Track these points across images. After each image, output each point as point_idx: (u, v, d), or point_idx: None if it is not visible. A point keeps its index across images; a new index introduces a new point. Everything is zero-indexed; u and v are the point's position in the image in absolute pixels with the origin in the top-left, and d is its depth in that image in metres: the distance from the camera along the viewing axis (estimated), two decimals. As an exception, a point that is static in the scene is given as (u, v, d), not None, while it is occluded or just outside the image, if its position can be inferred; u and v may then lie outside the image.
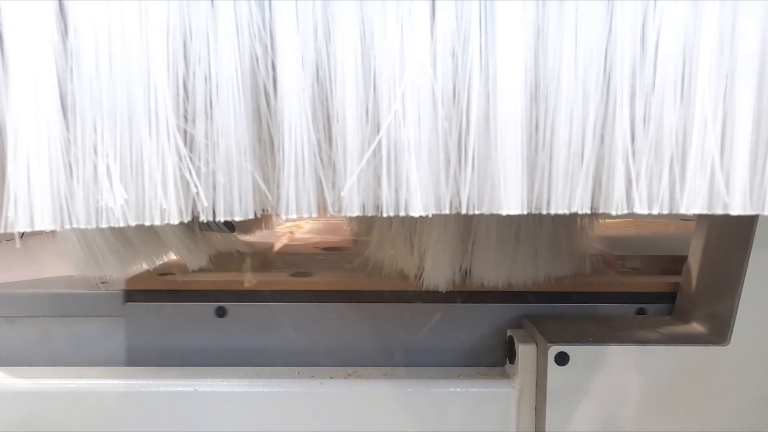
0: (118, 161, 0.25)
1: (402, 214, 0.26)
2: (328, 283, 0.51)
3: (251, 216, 0.27)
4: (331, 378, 0.46)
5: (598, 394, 0.43)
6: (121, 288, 0.50)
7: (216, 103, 0.26)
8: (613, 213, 0.26)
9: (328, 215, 0.27)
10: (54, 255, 0.60)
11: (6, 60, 0.25)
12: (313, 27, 0.25)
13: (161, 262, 0.53)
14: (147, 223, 0.26)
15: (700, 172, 0.26)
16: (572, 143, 0.26)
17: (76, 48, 0.25)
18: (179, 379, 0.46)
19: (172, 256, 0.53)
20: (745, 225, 0.42)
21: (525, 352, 0.45)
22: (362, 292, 0.50)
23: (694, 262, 0.48)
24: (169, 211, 0.26)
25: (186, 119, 0.26)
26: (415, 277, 0.47)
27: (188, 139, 0.26)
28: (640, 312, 0.50)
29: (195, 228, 0.50)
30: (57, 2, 0.25)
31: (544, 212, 0.26)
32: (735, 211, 0.26)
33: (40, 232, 0.27)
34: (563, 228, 0.47)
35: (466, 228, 0.46)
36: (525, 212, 0.26)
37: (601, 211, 0.27)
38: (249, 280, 0.51)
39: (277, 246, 0.62)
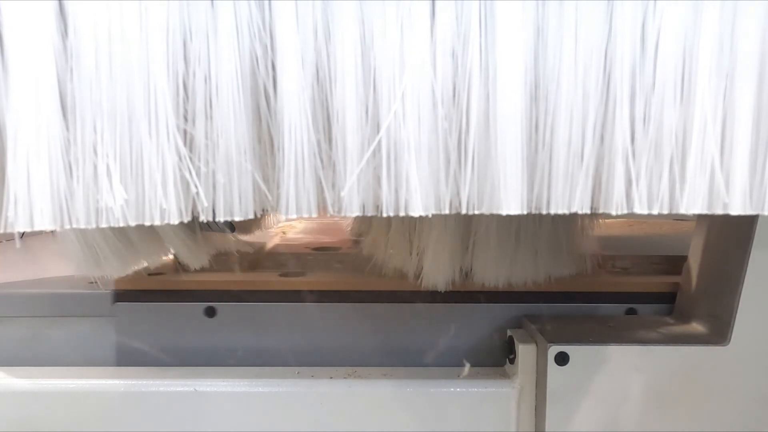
0: (118, 161, 0.25)
1: (402, 214, 0.26)
2: (318, 283, 0.51)
3: (251, 216, 0.27)
4: (331, 378, 0.46)
5: (598, 394, 0.43)
6: (110, 288, 0.50)
7: (216, 103, 0.26)
8: (613, 213, 0.26)
9: (328, 215, 0.27)
10: (54, 255, 0.59)
11: (6, 60, 0.25)
12: (313, 27, 0.25)
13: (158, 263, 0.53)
14: (147, 223, 0.26)
15: (700, 172, 0.26)
16: (572, 143, 0.26)
17: (76, 48, 0.25)
18: (179, 379, 0.46)
19: (172, 256, 0.53)
20: (745, 225, 0.42)
21: (525, 352, 0.45)
22: (354, 292, 0.50)
23: (694, 262, 0.48)
24: (169, 211, 0.26)
25: (186, 119, 0.26)
26: (415, 276, 0.47)
27: (188, 139, 0.26)
28: (630, 312, 0.50)
29: (195, 228, 0.50)
30: (57, 2, 0.25)
31: (544, 212, 0.26)
32: (735, 211, 0.26)
33: (40, 232, 0.27)
34: (563, 228, 0.47)
35: (466, 228, 0.46)
36: (525, 212, 0.26)
37: (601, 211, 0.27)
38: (239, 280, 0.51)
39: (268, 246, 0.62)
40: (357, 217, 0.59)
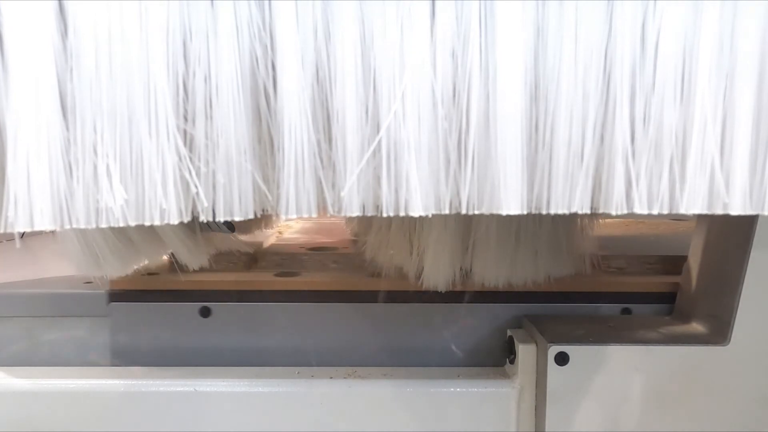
0: (118, 161, 0.25)
1: (402, 214, 0.26)
2: (314, 283, 0.51)
3: (251, 216, 0.27)
4: (331, 378, 0.46)
5: (598, 394, 0.43)
6: (105, 288, 0.50)
7: (216, 104, 0.26)
8: (613, 213, 0.26)
9: (328, 215, 0.27)
10: (54, 255, 0.59)
11: (6, 60, 0.25)
12: (313, 27, 0.25)
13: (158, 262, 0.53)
14: (147, 224, 0.26)
15: (699, 172, 0.26)
16: (572, 143, 0.26)
17: (76, 48, 0.25)
18: (179, 379, 0.46)
19: (167, 256, 0.53)
20: (745, 225, 0.42)
21: (525, 352, 0.45)
22: (349, 292, 0.50)
23: (694, 262, 0.48)
24: (169, 211, 0.26)
25: (186, 119, 0.26)
26: (415, 276, 0.47)
27: (188, 139, 0.26)
28: (625, 311, 0.50)
29: (195, 228, 0.50)
30: (57, 2, 0.25)
31: (544, 212, 0.26)
32: (735, 211, 0.26)
33: (40, 232, 0.27)
34: (563, 228, 0.47)
35: (466, 228, 0.46)
36: (525, 212, 0.26)
37: (600, 211, 0.27)
38: (234, 280, 0.51)
39: (264, 246, 0.62)
40: (357, 218, 0.59)
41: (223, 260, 0.54)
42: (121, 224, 0.26)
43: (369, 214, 0.27)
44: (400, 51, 0.25)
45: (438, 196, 0.27)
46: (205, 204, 0.26)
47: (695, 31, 0.25)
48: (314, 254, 0.57)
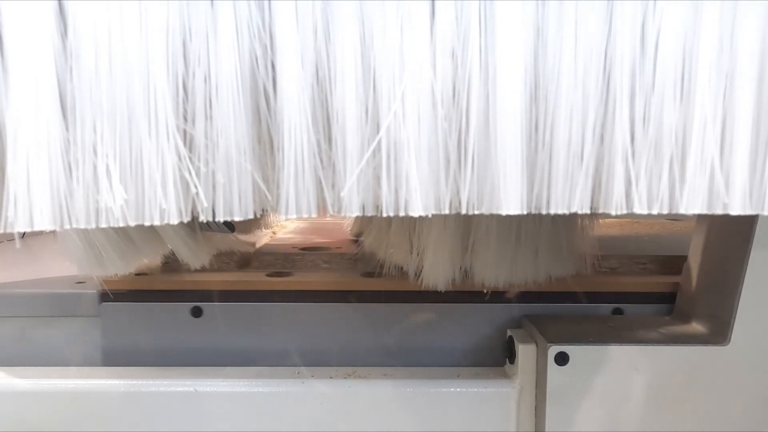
0: (117, 161, 0.25)
1: (402, 214, 0.26)
2: (306, 283, 0.51)
3: (251, 216, 0.27)
4: (331, 378, 0.46)
5: (598, 394, 0.43)
6: (96, 288, 0.50)
7: (216, 104, 0.26)
8: (613, 213, 0.26)
9: (328, 215, 0.27)
10: (55, 255, 0.59)
11: (6, 60, 0.25)
12: (313, 27, 0.25)
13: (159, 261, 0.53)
14: (147, 224, 0.26)
15: (699, 172, 0.26)
16: (572, 143, 0.26)
17: (76, 48, 0.25)
18: (179, 379, 0.46)
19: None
20: (745, 225, 0.42)
21: (525, 352, 0.45)
22: (341, 292, 0.50)
23: (694, 262, 0.48)
24: (168, 212, 0.26)
25: (186, 119, 0.26)
26: (414, 275, 0.47)
27: (188, 140, 0.26)
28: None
29: (196, 227, 0.50)
30: (57, 2, 0.25)
31: (544, 212, 0.26)
32: (735, 211, 0.26)
33: (41, 232, 0.27)
34: (563, 228, 0.47)
35: (466, 228, 0.46)
36: (525, 212, 0.26)
37: (600, 211, 0.27)
38: (225, 280, 0.51)
39: (257, 246, 0.62)
40: (357, 217, 0.59)
41: (214, 260, 0.54)
42: (121, 224, 0.26)
43: (369, 214, 0.27)
44: (400, 51, 0.25)
45: (438, 196, 0.27)
46: (205, 204, 0.26)
47: (695, 31, 0.25)
48: (306, 254, 0.57)
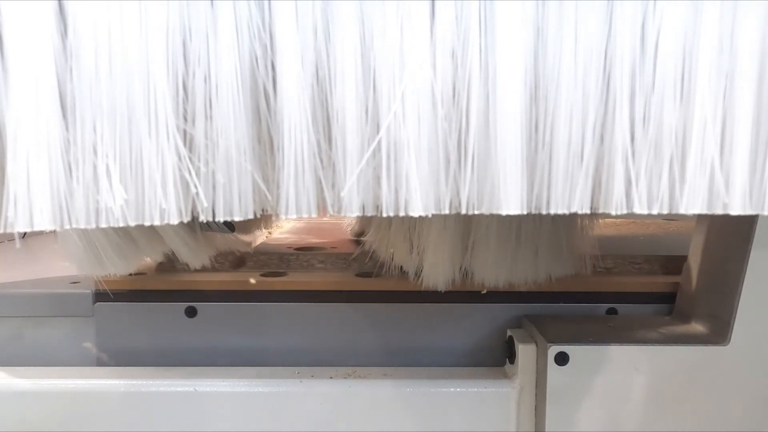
0: (117, 161, 0.25)
1: (402, 214, 0.26)
2: (300, 283, 0.51)
3: (251, 216, 0.27)
4: (331, 378, 0.46)
5: (598, 394, 0.43)
6: (91, 288, 0.50)
7: (216, 104, 0.26)
8: (613, 213, 0.26)
9: (328, 215, 0.27)
10: (56, 254, 0.60)
11: (6, 60, 0.25)
12: (313, 27, 0.25)
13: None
14: (147, 224, 0.26)
15: (699, 172, 0.26)
16: (572, 143, 0.26)
17: (76, 48, 0.25)
18: (179, 379, 0.46)
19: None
20: (745, 225, 0.42)
21: (525, 352, 0.45)
22: (336, 292, 0.50)
23: (694, 262, 0.48)
24: (168, 211, 0.26)
25: (186, 119, 0.26)
26: (415, 275, 0.47)
27: (188, 140, 0.26)
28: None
29: (196, 227, 0.50)
30: (57, 2, 0.25)
31: (544, 212, 0.26)
32: (735, 211, 0.26)
33: (41, 232, 0.27)
34: (563, 228, 0.47)
35: (466, 228, 0.46)
36: (525, 212, 0.26)
37: (600, 211, 0.27)
38: (220, 280, 0.51)
39: (252, 246, 0.62)
40: (358, 217, 0.60)
41: (209, 260, 0.54)
42: (121, 224, 0.26)
43: (369, 214, 0.27)
44: (400, 51, 0.25)
45: (438, 196, 0.27)
46: (205, 204, 0.26)
47: (695, 31, 0.25)
48: (301, 254, 0.57)
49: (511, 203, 0.26)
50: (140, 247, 0.48)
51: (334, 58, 0.25)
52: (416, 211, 0.26)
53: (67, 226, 0.26)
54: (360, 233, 0.60)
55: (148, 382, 0.45)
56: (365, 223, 0.57)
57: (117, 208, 0.26)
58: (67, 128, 0.25)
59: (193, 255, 0.50)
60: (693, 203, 0.26)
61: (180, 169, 0.26)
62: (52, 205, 0.25)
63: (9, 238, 0.26)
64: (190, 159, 0.26)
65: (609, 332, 0.45)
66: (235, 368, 0.47)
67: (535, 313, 0.49)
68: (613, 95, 0.26)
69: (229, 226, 0.53)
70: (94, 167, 0.25)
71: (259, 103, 0.26)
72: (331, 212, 0.27)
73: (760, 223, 0.41)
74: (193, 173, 0.26)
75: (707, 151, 0.26)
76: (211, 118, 0.26)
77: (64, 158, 0.25)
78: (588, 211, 0.27)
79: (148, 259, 0.52)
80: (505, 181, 0.26)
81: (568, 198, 0.26)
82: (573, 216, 0.44)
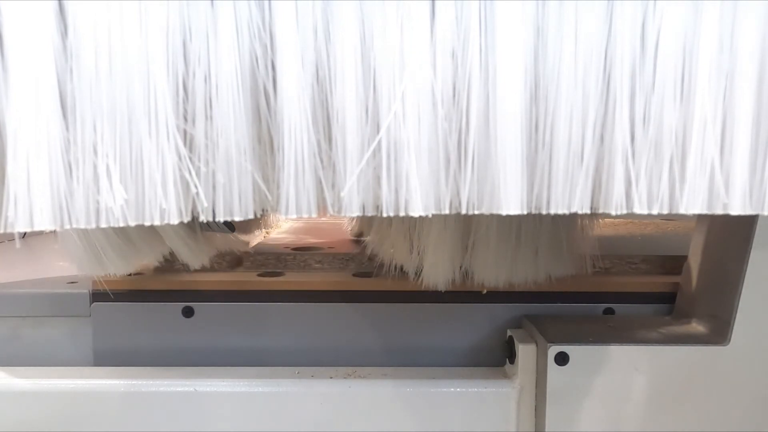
0: (117, 161, 0.25)
1: (402, 214, 0.26)
2: (297, 283, 0.51)
3: (251, 216, 0.27)
4: (331, 378, 0.46)
5: (598, 394, 0.43)
6: (88, 288, 0.50)
7: (216, 103, 0.26)
8: (613, 213, 0.26)
9: (328, 215, 0.27)
10: (56, 254, 0.60)
11: (6, 60, 0.25)
12: (313, 27, 0.25)
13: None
14: (147, 224, 0.26)
15: (699, 172, 0.26)
16: (572, 143, 0.26)
17: (76, 48, 0.25)
18: (179, 379, 0.46)
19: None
20: (745, 225, 0.42)
21: (525, 352, 0.45)
22: (333, 292, 0.50)
23: (694, 262, 0.48)
24: (168, 211, 0.26)
25: (186, 119, 0.26)
26: (415, 275, 0.47)
27: (188, 139, 0.26)
28: (608, 311, 0.50)
29: (196, 227, 0.50)
30: (57, 2, 0.25)
31: (544, 212, 0.26)
32: (735, 211, 0.26)
33: (41, 232, 0.27)
34: (563, 228, 0.47)
35: (466, 228, 0.46)
36: (525, 212, 0.26)
37: (600, 211, 0.27)
38: (217, 280, 0.51)
39: (249, 246, 0.62)
40: (358, 217, 0.59)
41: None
42: (121, 224, 0.26)
43: (369, 214, 0.27)
44: (400, 51, 0.25)
45: (438, 196, 0.27)
46: (205, 204, 0.26)
47: (695, 31, 0.25)
48: (298, 254, 0.57)
49: (511, 203, 0.26)
50: (140, 248, 0.48)
51: (335, 58, 0.25)
52: (416, 211, 0.26)
53: (67, 226, 0.26)
54: (359, 233, 0.60)
55: (148, 382, 0.45)
56: (365, 223, 0.57)
57: (117, 208, 0.26)
58: (67, 128, 0.25)
59: (194, 255, 0.50)
60: (693, 203, 0.26)
61: (180, 169, 0.26)
62: (52, 205, 0.25)
63: (9, 238, 0.26)
64: (190, 159, 0.26)
65: (609, 332, 0.45)
66: (235, 368, 0.47)
67: (535, 313, 0.49)
68: (613, 95, 0.26)
69: (229, 226, 0.53)
70: (94, 167, 0.25)
71: (260, 103, 0.26)
72: (332, 212, 0.27)
73: (760, 223, 0.41)
74: (194, 173, 0.26)
75: (707, 151, 0.26)
76: (211, 118, 0.26)
77: (64, 158, 0.25)
78: (588, 211, 0.27)
79: (148, 260, 0.51)
80: (505, 181, 0.26)
81: (568, 198, 0.26)
82: (573, 216, 0.44)
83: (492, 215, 0.29)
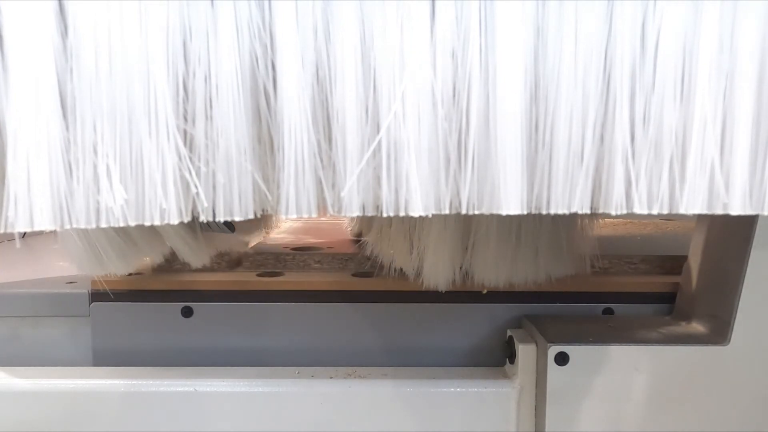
0: (117, 161, 0.25)
1: (402, 214, 0.26)
2: (296, 283, 0.51)
3: (251, 216, 0.27)
4: (331, 378, 0.46)
5: (598, 394, 0.43)
6: (87, 288, 0.50)
7: (216, 103, 0.26)
8: (613, 213, 0.26)
9: (328, 215, 0.27)
10: (56, 254, 0.60)
11: (6, 60, 0.25)
12: (313, 27, 0.25)
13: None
14: (147, 224, 0.26)
15: (699, 172, 0.26)
16: (572, 143, 0.26)
17: (76, 48, 0.25)
18: (179, 379, 0.46)
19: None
20: (745, 225, 0.42)
21: (525, 352, 0.45)
22: (332, 292, 0.50)
23: (694, 262, 0.48)
24: (168, 211, 0.26)
25: (186, 119, 0.26)
26: (415, 275, 0.47)
27: (188, 139, 0.26)
28: (607, 311, 0.50)
29: (196, 227, 0.50)
30: (57, 2, 0.25)
31: (544, 212, 0.26)
32: (735, 211, 0.26)
33: (41, 232, 0.27)
34: (563, 228, 0.47)
35: (466, 228, 0.46)
36: (525, 212, 0.26)
37: (600, 211, 0.27)
38: (216, 280, 0.51)
39: (249, 246, 0.62)
40: (358, 218, 0.60)
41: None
42: (121, 224, 0.26)
43: (369, 214, 0.27)
44: (400, 51, 0.25)
45: (438, 196, 0.27)
46: (205, 204, 0.26)
47: (695, 31, 0.25)
48: (297, 254, 0.57)
49: (512, 203, 0.26)
50: (140, 247, 0.48)
51: (335, 58, 0.25)
52: (416, 211, 0.26)
53: (68, 226, 0.26)
54: (359, 233, 0.60)
55: (147, 382, 0.45)
56: (365, 223, 0.57)
57: (117, 208, 0.26)
58: (67, 128, 0.25)
59: (194, 255, 0.50)
60: (693, 203, 0.26)
61: (180, 169, 0.26)
62: (52, 205, 0.25)
63: (9, 238, 0.26)
64: (190, 159, 0.26)
65: (609, 332, 0.45)
66: (235, 368, 0.47)
67: (535, 313, 0.49)
68: (613, 95, 0.26)
69: (230, 226, 0.53)
70: (95, 167, 0.25)
71: (260, 102, 0.26)
72: (332, 212, 0.27)
73: (760, 223, 0.41)
74: (194, 173, 0.26)
75: (707, 151, 0.26)
76: (211, 117, 0.26)
77: (65, 158, 0.25)
78: (588, 211, 0.27)
79: (148, 260, 0.52)
80: (505, 181, 0.26)
81: (568, 198, 0.26)
82: (573, 216, 0.44)
83: (492, 215, 0.29)
